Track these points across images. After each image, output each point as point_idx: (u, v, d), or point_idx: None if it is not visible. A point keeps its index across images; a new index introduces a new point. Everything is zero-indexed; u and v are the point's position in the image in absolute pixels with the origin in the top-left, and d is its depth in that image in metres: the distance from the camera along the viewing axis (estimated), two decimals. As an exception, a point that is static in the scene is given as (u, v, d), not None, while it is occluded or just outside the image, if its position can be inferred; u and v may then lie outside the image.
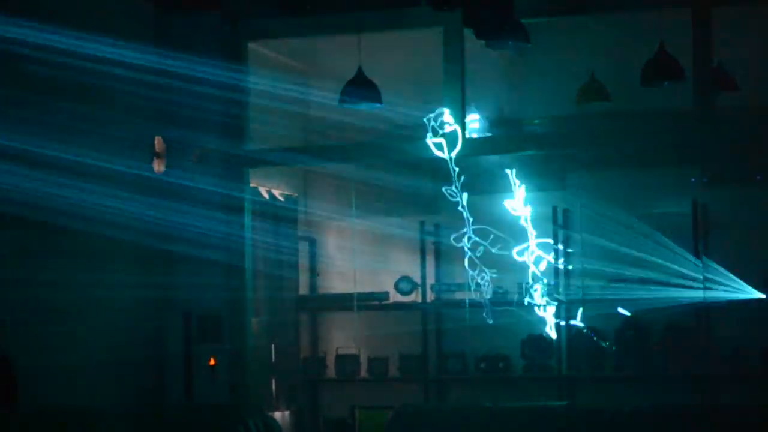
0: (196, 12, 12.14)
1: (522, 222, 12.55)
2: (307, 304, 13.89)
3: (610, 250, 12.50)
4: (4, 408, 9.24)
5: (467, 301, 12.60)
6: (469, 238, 12.26)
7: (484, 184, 12.66)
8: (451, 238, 12.49)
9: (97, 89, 10.77)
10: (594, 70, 12.20)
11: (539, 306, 12.61)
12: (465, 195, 12.05)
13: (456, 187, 12.03)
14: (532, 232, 12.55)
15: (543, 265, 12.67)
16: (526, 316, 12.65)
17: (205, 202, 11.90)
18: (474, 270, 12.36)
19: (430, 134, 12.00)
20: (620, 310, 12.54)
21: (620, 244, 12.47)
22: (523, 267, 12.59)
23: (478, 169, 12.49)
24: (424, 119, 11.98)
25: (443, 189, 12.05)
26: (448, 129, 11.98)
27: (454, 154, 12.00)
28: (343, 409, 13.06)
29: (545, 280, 12.60)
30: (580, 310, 12.64)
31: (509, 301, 12.67)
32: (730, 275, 12.13)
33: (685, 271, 12.25)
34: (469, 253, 12.27)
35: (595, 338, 12.66)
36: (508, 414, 10.49)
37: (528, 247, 12.56)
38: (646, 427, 9.99)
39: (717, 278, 12.15)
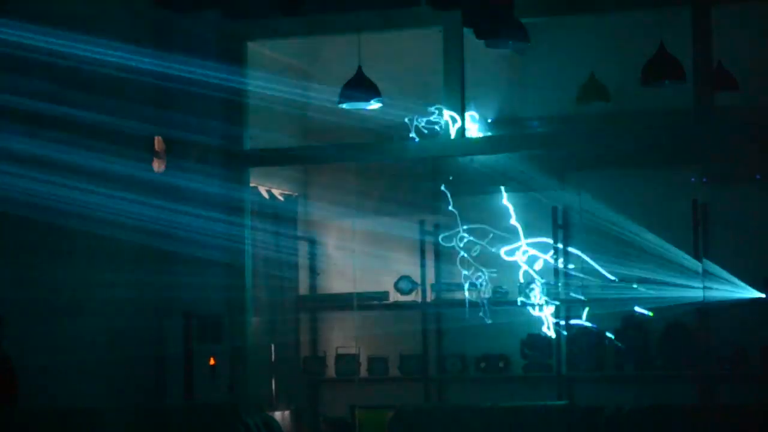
0: (196, 12, 12.13)
1: (513, 222, 12.56)
2: (307, 303, 13.89)
3: (609, 250, 12.52)
4: (4, 408, 9.23)
5: (467, 300, 12.60)
6: (461, 238, 12.25)
7: (485, 184, 12.66)
8: (440, 238, 12.50)
9: (97, 90, 10.76)
10: (594, 70, 12.21)
11: (534, 306, 12.60)
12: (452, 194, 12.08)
13: (445, 187, 12.03)
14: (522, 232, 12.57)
15: (538, 265, 12.67)
16: (529, 315, 12.65)
17: (205, 202, 11.89)
18: (468, 270, 12.35)
19: (412, 134, 11.99)
20: (638, 309, 12.52)
21: (619, 245, 12.48)
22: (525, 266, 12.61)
23: (475, 169, 12.49)
24: (406, 119, 11.97)
25: (442, 187, 12.05)
26: (439, 128, 11.99)
27: (449, 154, 12.00)
28: (343, 408, 13.05)
29: (542, 280, 12.60)
30: (587, 309, 12.66)
31: (508, 301, 12.68)
32: (730, 275, 12.13)
33: (685, 271, 12.25)
34: (462, 253, 12.26)
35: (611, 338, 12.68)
36: (508, 414, 10.50)
37: (520, 246, 12.56)
38: (646, 426, 10.01)
39: (717, 278, 12.15)
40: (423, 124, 11.94)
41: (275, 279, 13.27)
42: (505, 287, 12.82)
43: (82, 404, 10.21)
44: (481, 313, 12.40)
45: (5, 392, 9.27)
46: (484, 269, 12.40)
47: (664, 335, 12.68)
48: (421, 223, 13.41)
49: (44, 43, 10.06)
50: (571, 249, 12.82)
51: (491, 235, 12.54)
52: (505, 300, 12.75)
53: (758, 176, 12.61)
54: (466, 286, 12.57)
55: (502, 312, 12.62)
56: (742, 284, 12.09)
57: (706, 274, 12.15)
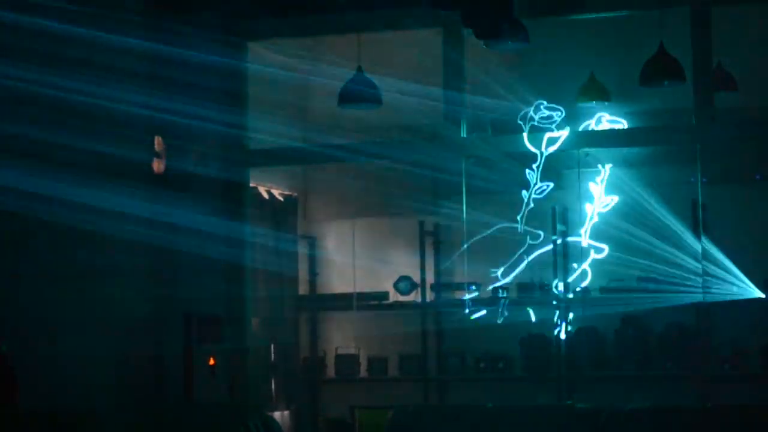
0: (196, 12, 12.12)
1: (513, 221, 12.60)
2: (306, 303, 13.90)
3: (608, 250, 12.55)
4: (4, 408, 9.23)
5: (467, 300, 12.60)
6: (461, 239, 12.27)
7: (486, 184, 12.67)
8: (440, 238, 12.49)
9: (96, 87, 10.75)
10: (594, 70, 12.21)
11: (533, 306, 12.59)
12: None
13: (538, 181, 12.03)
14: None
15: (537, 265, 12.68)
16: (529, 315, 12.66)
17: (205, 202, 11.89)
18: (468, 270, 12.35)
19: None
20: None
21: (619, 244, 12.49)
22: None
23: (474, 170, 12.50)
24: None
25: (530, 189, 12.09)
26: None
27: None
28: (343, 408, 13.05)
29: (541, 280, 12.62)
30: (587, 309, 12.67)
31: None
32: (730, 275, 12.13)
33: (684, 271, 12.24)
34: (464, 253, 12.27)
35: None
36: (508, 414, 10.48)
37: (518, 246, 12.58)
38: (646, 427, 9.98)
39: (716, 278, 12.14)
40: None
41: (275, 279, 13.28)
42: (505, 287, 12.82)
43: (82, 404, 10.21)
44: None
45: (4, 392, 9.27)
46: (485, 269, 12.39)
47: (664, 335, 12.69)
48: (421, 223, 13.42)
49: (42, 44, 10.05)
50: (570, 249, 12.81)
51: (490, 235, 12.53)
52: (505, 299, 12.74)
53: (758, 176, 12.62)
54: (466, 286, 12.57)
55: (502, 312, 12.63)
56: (742, 284, 12.09)
57: (706, 274, 12.15)
